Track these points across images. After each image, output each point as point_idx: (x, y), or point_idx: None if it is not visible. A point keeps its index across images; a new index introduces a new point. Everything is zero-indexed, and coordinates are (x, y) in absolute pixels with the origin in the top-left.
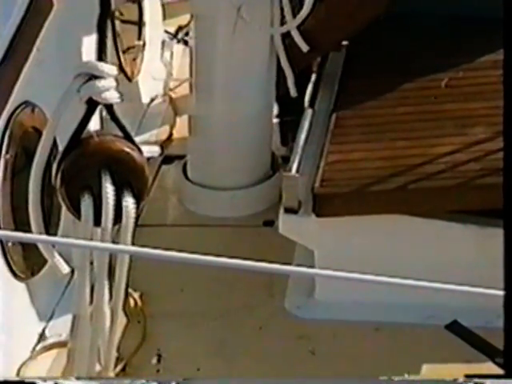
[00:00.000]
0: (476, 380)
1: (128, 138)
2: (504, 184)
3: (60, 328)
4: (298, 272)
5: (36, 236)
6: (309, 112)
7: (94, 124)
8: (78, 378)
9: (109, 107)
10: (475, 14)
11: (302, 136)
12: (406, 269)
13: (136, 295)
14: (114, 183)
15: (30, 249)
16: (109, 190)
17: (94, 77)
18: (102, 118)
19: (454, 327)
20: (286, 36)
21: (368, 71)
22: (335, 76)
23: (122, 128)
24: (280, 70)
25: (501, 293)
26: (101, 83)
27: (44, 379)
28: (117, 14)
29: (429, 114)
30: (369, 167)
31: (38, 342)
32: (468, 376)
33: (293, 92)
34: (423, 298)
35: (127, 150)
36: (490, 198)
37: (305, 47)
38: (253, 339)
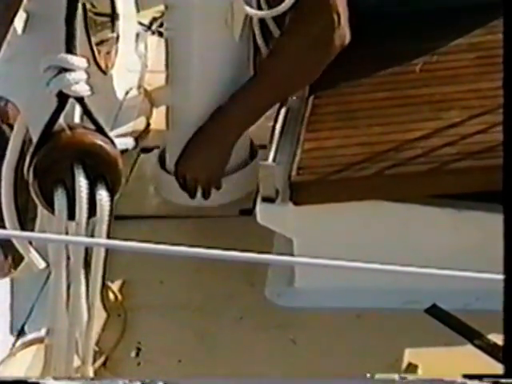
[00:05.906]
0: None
1: (101, 130)
2: (504, 169)
3: (40, 324)
4: (277, 261)
5: (9, 232)
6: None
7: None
8: (55, 379)
9: (80, 100)
10: (444, 4)
11: (278, 125)
12: (385, 254)
13: (115, 288)
14: (88, 176)
15: (6, 244)
16: (82, 183)
17: (63, 70)
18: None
19: (434, 311)
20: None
21: (342, 58)
22: None
23: (94, 121)
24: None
25: (500, 277)
26: (71, 76)
27: (20, 380)
28: (89, 6)
29: (404, 99)
30: (345, 154)
31: (17, 338)
32: (466, 376)
33: None
34: (403, 282)
35: (100, 142)
36: (467, 182)
37: (277, 33)
38: (234, 329)
